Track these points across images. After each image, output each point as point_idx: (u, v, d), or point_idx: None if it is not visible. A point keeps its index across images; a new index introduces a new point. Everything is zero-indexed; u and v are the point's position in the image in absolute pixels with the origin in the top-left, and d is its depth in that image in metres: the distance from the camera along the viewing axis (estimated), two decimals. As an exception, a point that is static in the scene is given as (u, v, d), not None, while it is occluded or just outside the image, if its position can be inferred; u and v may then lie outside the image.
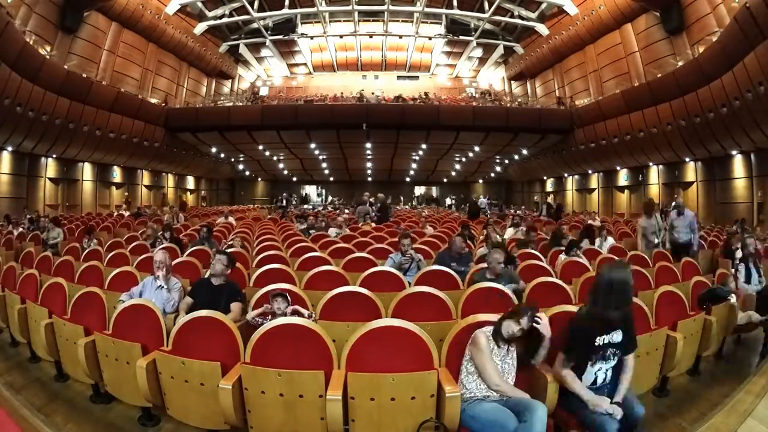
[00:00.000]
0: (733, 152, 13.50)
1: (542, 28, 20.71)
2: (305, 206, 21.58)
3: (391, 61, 25.62)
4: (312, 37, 23.61)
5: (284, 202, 22.68)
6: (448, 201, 27.53)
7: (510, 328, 2.31)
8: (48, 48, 13.86)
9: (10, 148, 13.78)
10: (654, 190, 17.37)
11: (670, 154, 15.32)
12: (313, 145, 21.68)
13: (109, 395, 2.93)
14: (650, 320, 3.17)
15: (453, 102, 20.94)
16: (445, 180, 28.76)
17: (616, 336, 2.24)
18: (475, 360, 2.32)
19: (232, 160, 24.62)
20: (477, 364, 2.31)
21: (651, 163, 17.10)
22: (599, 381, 2.26)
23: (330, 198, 27.40)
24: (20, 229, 8.78)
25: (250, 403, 2.30)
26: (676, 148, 14.87)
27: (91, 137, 15.45)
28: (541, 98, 21.56)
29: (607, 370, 2.26)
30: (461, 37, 22.97)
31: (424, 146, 21.55)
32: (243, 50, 23.87)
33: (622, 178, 19.00)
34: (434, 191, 30.35)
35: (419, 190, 30.32)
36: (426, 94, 21.87)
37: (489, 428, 2.16)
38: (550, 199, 20.00)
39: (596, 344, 2.21)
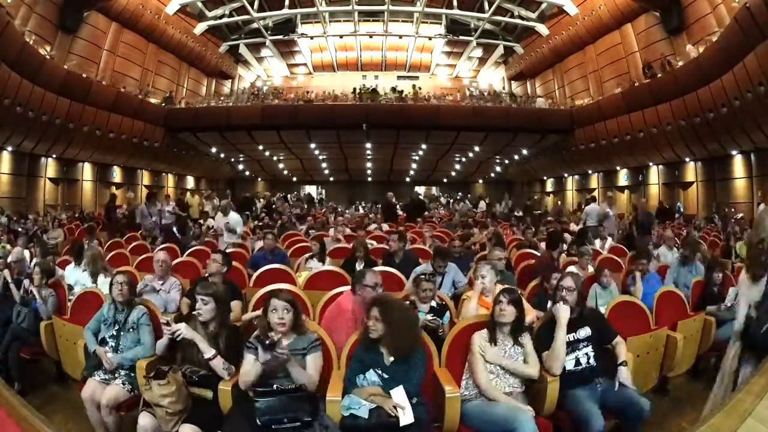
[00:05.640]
0: (733, 152, 13.50)
1: (542, 28, 20.69)
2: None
3: (391, 61, 25.58)
4: (312, 37, 23.59)
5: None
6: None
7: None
8: (48, 48, 13.83)
9: (10, 148, 13.77)
10: (654, 190, 17.37)
11: (670, 154, 15.32)
12: (313, 145, 21.66)
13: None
14: (650, 320, 3.17)
15: (453, 102, 20.91)
16: (445, 180, 28.74)
17: (582, 332, 2.48)
18: (469, 362, 2.39)
19: (232, 160, 24.60)
20: (470, 366, 2.38)
21: (651, 163, 17.09)
22: (583, 363, 2.44)
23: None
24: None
25: (250, 403, 2.30)
26: (676, 148, 14.87)
27: (91, 137, 15.43)
28: (540, 98, 21.53)
29: (587, 354, 2.46)
30: (461, 37, 22.93)
31: (424, 146, 21.53)
32: (243, 50, 23.84)
33: (622, 178, 19.00)
34: (434, 191, 30.24)
35: (419, 190, 30.22)
36: (419, 88, 21.83)
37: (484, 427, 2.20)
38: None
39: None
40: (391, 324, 2.20)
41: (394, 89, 20.72)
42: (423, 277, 3.00)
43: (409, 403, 2.11)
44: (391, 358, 2.21)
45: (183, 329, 2.31)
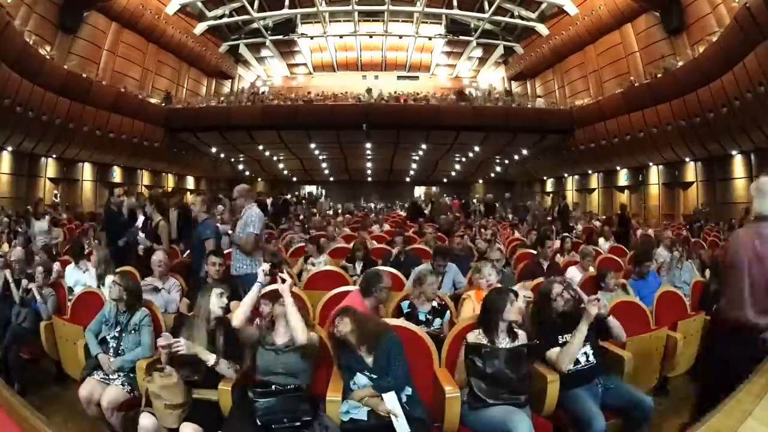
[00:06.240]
0: (733, 152, 13.50)
1: (542, 28, 20.70)
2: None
3: (391, 61, 25.60)
4: (312, 37, 23.60)
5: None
6: None
7: None
8: (48, 48, 13.82)
9: (10, 148, 13.77)
10: (654, 190, 17.37)
11: (670, 154, 15.32)
12: (313, 145, 21.66)
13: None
14: (650, 320, 3.17)
15: (453, 102, 20.89)
16: (445, 180, 28.75)
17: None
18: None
19: (232, 160, 24.62)
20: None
21: (651, 163, 17.09)
22: (582, 362, 2.40)
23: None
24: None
25: (250, 404, 2.30)
26: (676, 148, 14.87)
27: (91, 137, 15.43)
28: (540, 98, 21.53)
29: (585, 353, 2.41)
30: (461, 37, 22.95)
31: (424, 146, 21.54)
32: (243, 50, 23.86)
33: (622, 178, 18.99)
34: (434, 191, 30.19)
35: (419, 190, 30.18)
36: (417, 94, 21.80)
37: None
38: None
39: (560, 342, 2.42)
40: (355, 320, 2.28)
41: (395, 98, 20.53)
42: (427, 271, 3.08)
43: (404, 395, 2.17)
44: (371, 358, 2.25)
45: (183, 346, 2.24)
